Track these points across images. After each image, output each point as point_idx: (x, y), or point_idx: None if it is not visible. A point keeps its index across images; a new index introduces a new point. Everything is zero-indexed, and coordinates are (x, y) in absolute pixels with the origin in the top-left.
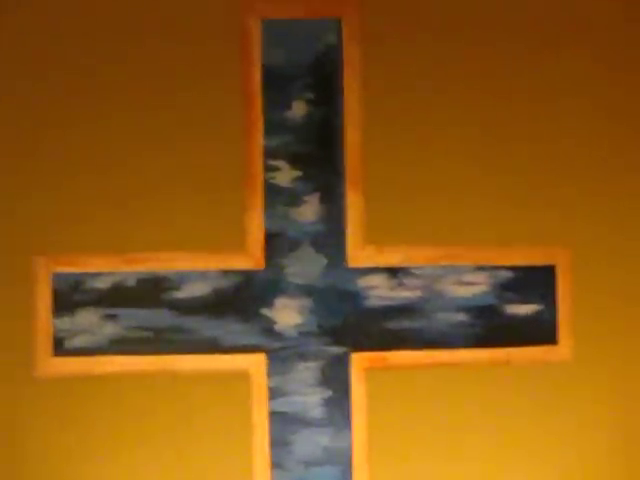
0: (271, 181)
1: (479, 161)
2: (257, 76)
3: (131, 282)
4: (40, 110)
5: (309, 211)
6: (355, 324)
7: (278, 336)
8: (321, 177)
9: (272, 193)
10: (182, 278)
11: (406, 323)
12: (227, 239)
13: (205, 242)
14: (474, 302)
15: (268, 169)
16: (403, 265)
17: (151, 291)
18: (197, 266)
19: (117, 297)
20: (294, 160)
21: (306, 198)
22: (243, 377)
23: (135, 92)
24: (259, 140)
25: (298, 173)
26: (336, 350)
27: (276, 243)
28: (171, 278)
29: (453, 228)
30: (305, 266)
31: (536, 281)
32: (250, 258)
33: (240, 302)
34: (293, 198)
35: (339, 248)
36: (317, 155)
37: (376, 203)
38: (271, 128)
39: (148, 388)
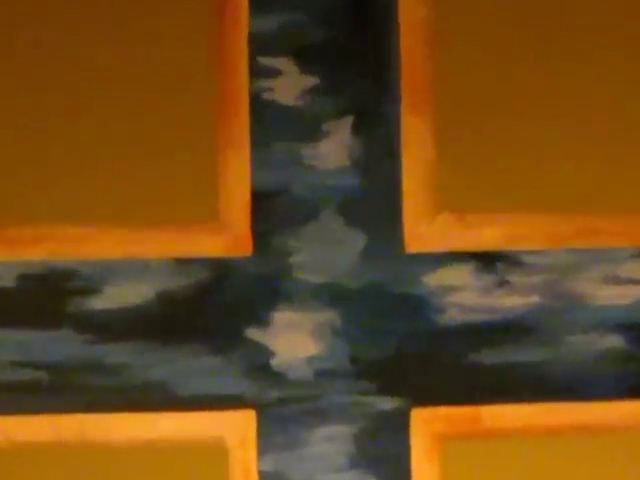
0: (264, 97)
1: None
2: None
3: (9, 281)
4: None
5: (334, 152)
6: (418, 357)
7: (278, 379)
8: (356, 89)
9: (265, 119)
10: (104, 274)
11: (512, 354)
12: (185, 204)
13: (146, 210)
14: (636, 314)
15: (258, 75)
16: (506, 249)
17: (47, 297)
18: (131, 252)
19: None
20: (306, 57)
21: (329, 127)
22: (215, 452)
23: None
24: (242, 21)
25: (313, 81)
26: (385, 404)
27: (273, 211)
28: (83, 274)
29: (590, 185)
30: (326, 252)
31: None
32: (227, 237)
33: (210, 317)
34: (304, 128)
35: (389, 220)
36: (348, 48)
37: (456, 140)
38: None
39: (42, 470)
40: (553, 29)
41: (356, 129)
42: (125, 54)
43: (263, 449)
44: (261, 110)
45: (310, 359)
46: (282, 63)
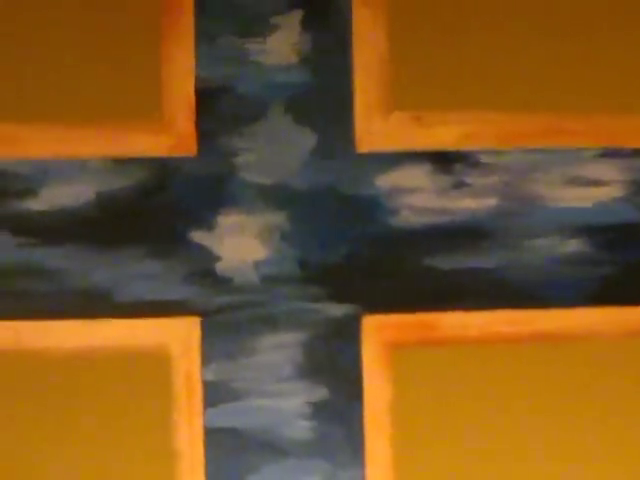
0: None
1: None
2: None
3: None
4: None
5: (283, 47)
6: (370, 261)
7: (223, 284)
8: None
9: (211, 12)
10: (39, 174)
11: (469, 259)
12: (125, 101)
13: (82, 104)
14: (599, 217)
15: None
16: (463, 149)
17: None
18: (68, 151)
19: None
20: None
21: (277, 21)
22: (158, 361)
23: None
24: None
25: None
26: (336, 310)
27: (219, 107)
28: (19, 174)
29: (552, 82)
30: (274, 152)
31: None
32: (169, 136)
33: (152, 219)
34: (252, 22)
35: (340, 118)
36: None
37: (411, 34)
38: None
39: None
40: None
41: (305, 23)
42: None
43: (207, 358)
44: (206, 4)
45: (257, 263)
46: None
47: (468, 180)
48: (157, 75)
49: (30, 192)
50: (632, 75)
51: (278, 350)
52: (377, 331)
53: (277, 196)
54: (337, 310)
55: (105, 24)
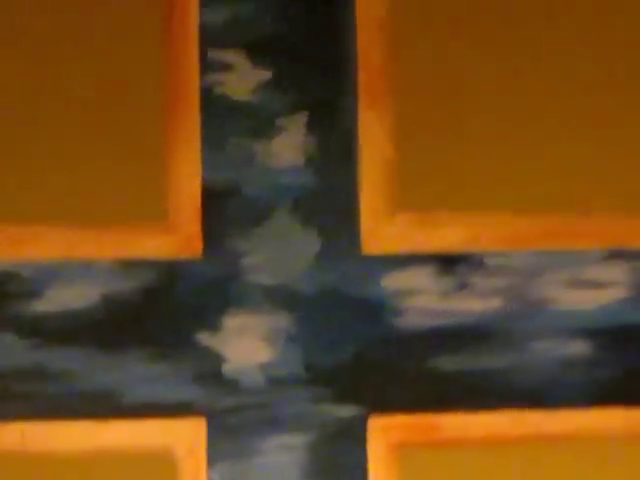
0: (215, 92)
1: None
2: None
3: None
4: None
5: (288, 149)
6: (376, 363)
7: (229, 386)
8: (311, 84)
9: (217, 115)
10: (46, 276)
11: (474, 361)
12: (132, 203)
13: (87, 206)
14: (602, 319)
15: (209, 69)
16: (467, 251)
17: None
18: (73, 253)
19: None
20: (258, 50)
21: (282, 124)
22: (164, 462)
23: None
24: (192, 13)
25: (266, 75)
26: (341, 412)
27: (224, 211)
28: (23, 276)
29: (556, 184)
30: (280, 253)
31: None
32: (176, 238)
33: (158, 321)
34: (257, 124)
35: (346, 220)
36: (303, 41)
37: (416, 136)
38: None
39: None
40: (510, 23)
41: (311, 125)
42: (72, 49)
43: (213, 459)
44: (212, 105)
45: (263, 365)
46: (233, 56)
47: (473, 282)
48: (163, 177)
49: (35, 294)
50: (636, 176)
51: (284, 452)
52: (383, 432)
53: (283, 298)
54: (343, 412)
55: (111, 125)
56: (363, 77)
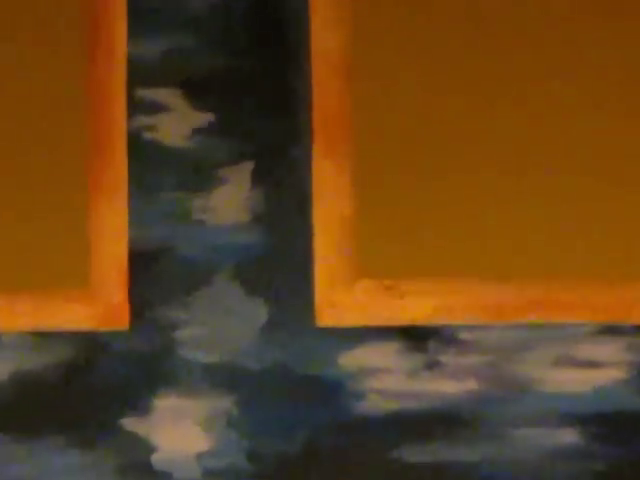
0: (145, 137)
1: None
2: None
3: None
4: None
5: (231, 204)
6: (331, 453)
7: (160, 478)
8: (258, 128)
9: (147, 162)
10: None
11: (444, 451)
12: (48, 266)
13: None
14: (595, 404)
15: (138, 110)
16: (438, 324)
17: None
18: None
19: None
20: (197, 89)
21: (224, 174)
22: None
23: None
24: (118, 46)
25: (206, 118)
26: None
27: (155, 272)
28: None
29: (539, 248)
30: (222, 324)
31: None
32: (98, 305)
33: (78, 403)
34: (194, 175)
35: (298, 286)
36: (250, 79)
37: (379, 190)
38: (141, 19)
39: None
40: (477, 65)
41: (258, 176)
42: None
43: None
44: (142, 152)
45: (199, 455)
46: (168, 96)
47: (444, 359)
48: (84, 234)
49: None
50: (632, 240)
51: None
52: None
53: (223, 377)
54: None
55: (24, 173)
56: (318, 119)
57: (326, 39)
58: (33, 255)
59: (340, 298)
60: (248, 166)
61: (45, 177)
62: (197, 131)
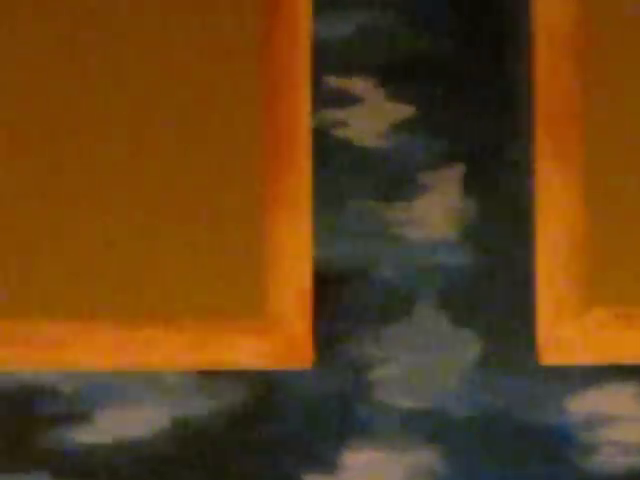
0: (333, 135)
1: None
2: None
3: None
4: None
5: (436, 216)
6: None
7: None
8: (469, 126)
9: (334, 166)
10: (92, 392)
11: None
12: (216, 292)
13: (156, 302)
14: None
15: (325, 102)
16: None
17: (13, 426)
18: (133, 360)
19: None
20: (395, 77)
21: (428, 180)
22: None
23: None
24: (302, 25)
25: (406, 112)
26: None
27: (345, 301)
28: (60, 391)
29: None
30: (423, 363)
31: None
32: (276, 340)
33: (253, 456)
34: (392, 180)
35: (516, 317)
36: (459, 67)
37: (619, 200)
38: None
39: None
40: None
41: (468, 183)
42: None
43: None
44: (329, 154)
45: None
46: (361, 85)
47: None
48: (260, 254)
49: (79, 417)
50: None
51: None
52: None
53: (426, 425)
54: None
55: (191, 183)
56: (542, 113)
57: (552, 14)
58: (200, 280)
59: (568, 331)
60: (457, 171)
61: (214, 186)
62: (395, 128)
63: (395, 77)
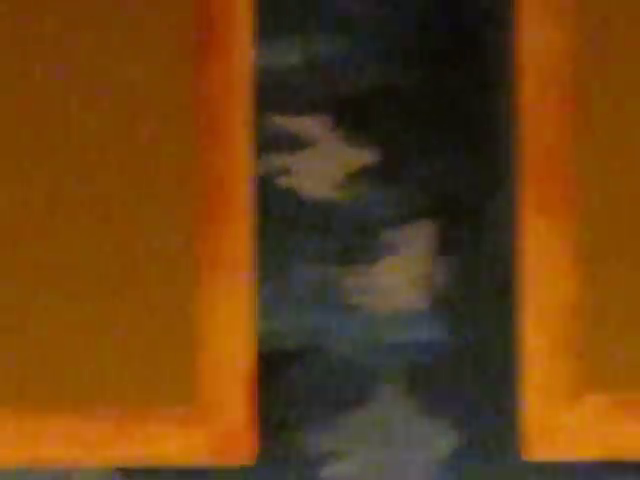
0: (278, 186)
1: None
2: None
3: None
4: None
5: (403, 279)
6: None
7: None
8: (443, 175)
9: (280, 224)
10: None
11: None
12: (138, 375)
13: (67, 388)
14: None
15: (268, 148)
16: None
17: None
18: (42, 458)
19: None
20: (353, 116)
21: (392, 238)
22: None
23: None
24: (239, 53)
25: (367, 157)
26: None
27: (292, 386)
28: None
29: None
30: (388, 456)
31: None
32: (211, 432)
33: None
34: (350, 239)
35: (499, 405)
36: (430, 102)
37: (611, 260)
38: (272, 14)
39: None
40: None
41: (440, 243)
42: None
43: None
44: (273, 208)
45: None
46: (311, 125)
47: None
48: (191, 329)
49: None
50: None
51: None
52: None
53: None
54: None
55: (118, 236)
56: (528, 159)
57: (537, 40)
58: (120, 361)
59: (558, 421)
60: (426, 228)
61: (136, 247)
62: (353, 177)
63: (352, 116)
